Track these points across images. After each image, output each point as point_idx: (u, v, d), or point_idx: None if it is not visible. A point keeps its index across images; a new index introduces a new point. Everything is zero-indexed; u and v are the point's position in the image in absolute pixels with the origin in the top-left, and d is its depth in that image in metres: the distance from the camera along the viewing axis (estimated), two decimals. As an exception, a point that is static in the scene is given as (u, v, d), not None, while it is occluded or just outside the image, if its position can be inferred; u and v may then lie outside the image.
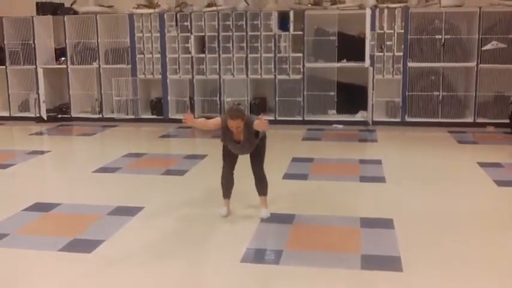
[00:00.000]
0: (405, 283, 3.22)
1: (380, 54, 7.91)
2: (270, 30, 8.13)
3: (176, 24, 8.37)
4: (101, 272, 3.43)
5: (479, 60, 7.72)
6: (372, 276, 3.29)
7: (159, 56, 8.46)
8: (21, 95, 9.12)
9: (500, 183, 5.14)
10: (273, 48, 8.14)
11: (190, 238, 3.95)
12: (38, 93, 8.80)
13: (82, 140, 7.81)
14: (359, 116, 8.23)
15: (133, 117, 8.69)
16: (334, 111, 8.21)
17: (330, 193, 4.99)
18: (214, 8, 8.28)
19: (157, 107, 8.67)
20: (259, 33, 8.15)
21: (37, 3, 8.87)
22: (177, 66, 8.49)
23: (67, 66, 8.82)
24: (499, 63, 7.68)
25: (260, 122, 3.94)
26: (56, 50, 8.94)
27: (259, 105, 8.51)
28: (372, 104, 7.99)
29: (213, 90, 8.48)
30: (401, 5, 7.84)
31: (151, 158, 6.47)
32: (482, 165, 5.73)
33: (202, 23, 8.27)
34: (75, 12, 8.76)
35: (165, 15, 8.37)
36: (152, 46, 8.46)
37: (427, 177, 5.42)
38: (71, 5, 8.84)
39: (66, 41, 8.72)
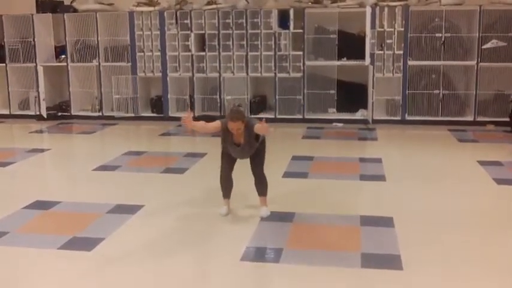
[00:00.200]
0: (405, 281, 3.22)
1: (380, 52, 7.91)
2: (270, 28, 8.12)
3: (176, 22, 8.36)
4: (100, 270, 3.43)
5: (479, 59, 7.72)
6: (372, 275, 3.30)
7: (159, 54, 8.45)
8: (21, 93, 9.12)
9: (500, 181, 5.14)
10: (273, 46, 8.14)
11: (190, 236, 3.95)
12: (38, 91, 8.80)
13: (82, 138, 7.81)
14: (359, 115, 8.22)
15: (133, 115, 8.69)
16: (334, 110, 8.20)
17: (330, 191, 4.99)
18: (214, 6, 8.27)
19: (158, 105, 8.66)
20: (259, 31, 8.14)
21: (37, 1, 8.86)
22: (177, 64, 8.48)
23: (67, 64, 8.81)
24: (499, 61, 7.68)
25: (261, 126, 3.94)
26: (55, 47, 8.93)
27: (259, 104, 8.52)
28: (372, 103, 7.99)
29: (213, 88, 8.47)
30: (402, 3, 7.83)
31: (151, 156, 6.47)
32: (482, 163, 5.73)
33: (203, 21, 8.26)
34: (75, 10, 8.74)
35: (165, 13, 8.36)
36: (152, 44, 8.45)
37: (427, 176, 5.42)
38: (71, 2, 8.83)
39: (66, 38, 8.70)
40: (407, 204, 4.56)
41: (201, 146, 6.85)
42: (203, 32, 8.30)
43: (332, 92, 8.13)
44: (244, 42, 8.21)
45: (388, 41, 7.86)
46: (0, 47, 8.92)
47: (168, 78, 8.49)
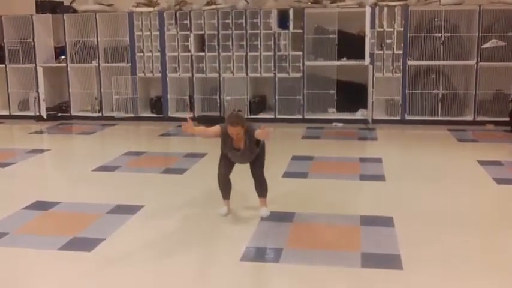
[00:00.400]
0: (405, 281, 3.22)
1: (380, 52, 7.91)
2: (269, 29, 8.12)
3: (176, 23, 8.36)
4: (100, 271, 3.43)
5: (479, 58, 7.72)
6: (372, 275, 3.29)
7: (158, 54, 8.45)
8: (21, 94, 9.12)
9: (499, 181, 5.14)
10: (272, 47, 8.14)
11: (190, 237, 3.95)
12: (37, 91, 8.80)
13: (82, 138, 7.81)
14: (359, 114, 8.22)
15: (133, 115, 8.69)
16: (334, 110, 8.20)
17: (330, 191, 4.99)
18: (213, 7, 8.27)
19: (157, 105, 8.66)
20: (258, 31, 8.14)
21: (36, 2, 8.85)
22: (176, 65, 8.48)
23: (66, 65, 8.81)
24: (499, 61, 7.67)
25: (262, 132, 3.95)
26: (55, 48, 8.93)
27: (259, 104, 8.52)
28: (372, 102, 7.99)
29: (213, 89, 8.47)
30: (401, 3, 7.83)
31: (151, 157, 6.47)
32: (482, 163, 5.73)
33: (202, 22, 8.26)
34: (75, 11, 8.75)
35: (165, 13, 8.36)
36: (152, 44, 8.45)
37: (427, 176, 5.42)
38: (71, 3, 8.83)
39: (66, 39, 8.71)
40: (407, 204, 4.56)
41: (201, 146, 6.84)
42: (203, 32, 8.30)
43: (332, 92, 8.13)
44: (244, 43, 8.21)
45: (388, 41, 7.86)
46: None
47: (167, 79, 8.49)
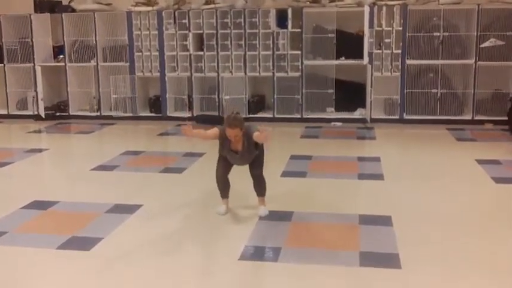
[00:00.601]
0: (404, 280, 3.22)
1: (378, 51, 7.91)
2: (268, 28, 8.11)
3: (174, 22, 8.35)
4: (99, 270, 3.43)
5: (477, 58, 7.72)
6: (371, 274, 3.30)
7: (157, 53, 8.45)
8: (19, 93, 9.10)
9: (498, 180, 5.14)
10: (271, 46, 8.13)
11: (189, 236, 3.95)
12: (36, 91, 8.79)
13: (80, 138, 7.81)
14: (357, 114, 8.23)
15: (131, 115, 8.68)
16: (333, 109, 8.20)
17: (329, 190, 4.99)
18: (212, 6, 8.27)
19: (156, 104, 8.66)
20: (257, 30, 8.13)
21: (35, 1, 8.82)
22: (175, 64, 8.47)
23: (65, 64, 8.80)
24: (498, 60, 7.67)
25: (260, 135, 3.95)
26: (54, 47, 8.91)
27: (258, 103, 8.52)
28: (371, 102, 7.99)
29: (212, 88, 8.47)
30: (400, 2, 7.83)
31: (149, 156, 6.47)
32: (480, 162, 5.74)
33: (201, 21, 8.26)
34: (73, 10, 8.73)
35: (163, 12, 8.36)
36: (150, 44, 8.45)
37: (426, 175, 5.42)
38: (69, 2, 8.82)
39: (64, 38, 8.69)
40: (405, 203, 4.56)
41: (199, 145, 6.84)
42: (201, 31, 8.29)
43: (330, 91, 8.13)
44: (243, 42, 8.21)
45: (386, 40, 7.86)
46: (-2, 47, 8.92)
47: (166, 78, 8.48)
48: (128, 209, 4.45)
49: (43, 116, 8.75)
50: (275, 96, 8.25)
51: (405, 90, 7.96)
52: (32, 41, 8.75)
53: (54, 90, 9.16)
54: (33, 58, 8.81)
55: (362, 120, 8.07)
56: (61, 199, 4.76)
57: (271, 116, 8.27)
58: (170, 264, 3.47)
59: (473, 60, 7.74)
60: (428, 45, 7.83)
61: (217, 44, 8.26)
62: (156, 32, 8.39)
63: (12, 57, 8.88)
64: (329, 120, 8.13)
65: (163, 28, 8.36)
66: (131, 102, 8.66)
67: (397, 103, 8.02)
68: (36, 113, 8.84)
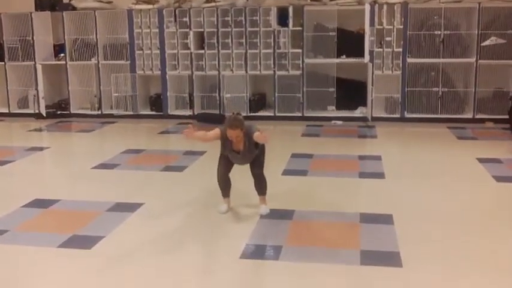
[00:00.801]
0: (404, 279, 3.22)
1: (379, 50, 7.90)
2: (269, 26, 8.11)
3: (175, 20, 8.35)
4: (100, 268, 3.43)
5: (478, 56, 7.71)
6: (371, 272, 3.30)
7: (158, 52, 8.44)
8: (20, 91, 9.11)
9: (499, 178, 5.14)
10: (272, 44, 8.13)
11: (190, 234, 3.95)
12: (37, 89, 8.79)
13: (81, 136, 7.81)
14: (358, 112, 8.23)
15: (132, 113, 8.68)
16: (334, 107, 8.20)
17: (330, 189, 4.99)
18: (213, 4, 8.27)
19: (157, 103, 8.66)
20: (258, 29, 8.13)
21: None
22: (176, 62, 8.47)
23: (66, 62, 8.80)
24: (498, 58, 7.67)
25: (260, 136, 3.98)
26: (54, 46, 8.92)
27: (259, 101, 8.51)
28: (371, 100, 7.99)
29: (213, 86, 8.47)
30: (401, 0, 7.82)
31: (150, 154, 6.47)
32: (481, 160, 5.74)
33: (201, 19, 8.25)
34: (74, 8, 8.73)
35: (164, 11, 8.36)
36: (151, 42, 8.44)
37: (427, 173, 5.42)
38: (70, 0, 8.82)
39: (65, 37, 8.70)
40: (406, 202, 4.56)
41: (200, 144, 6.83)
42: (202, 30, 8.29)
43: (331, 89, 8.13)
44: (243, 40, 8.21)
45: (387, 39, 7.85)
46: (-1, 45, 8.93)
47: (167, 76, 8.49)
48: (129, 208, 4.46)
49: (44, 115, 8.76)
50: (276, 94, 8.25)
51: (406, 89, 7.95)
52: (32, 39, 8.75)
53: (55, 88, 9.16)
54: (34, 56, 8.81)
55: (363, 119, 8.07)
56: (62, 197, 4.76)
57: (272, 114, 8.27)
58: (171, 263, 3.47)
59: (474, 59, 7.73)
60: (429, 43, 7.83)
61: (218, 42, 8.26)
62: (157, 30, 8.38)
63: (13, 56, 8.88)
64: (330, 119, 8.13)
65: (164, 26, 8.36)
66: (132, 100, 8.66)
67: (398, 101, 8.02)
68: (37, 111, 8.84)
